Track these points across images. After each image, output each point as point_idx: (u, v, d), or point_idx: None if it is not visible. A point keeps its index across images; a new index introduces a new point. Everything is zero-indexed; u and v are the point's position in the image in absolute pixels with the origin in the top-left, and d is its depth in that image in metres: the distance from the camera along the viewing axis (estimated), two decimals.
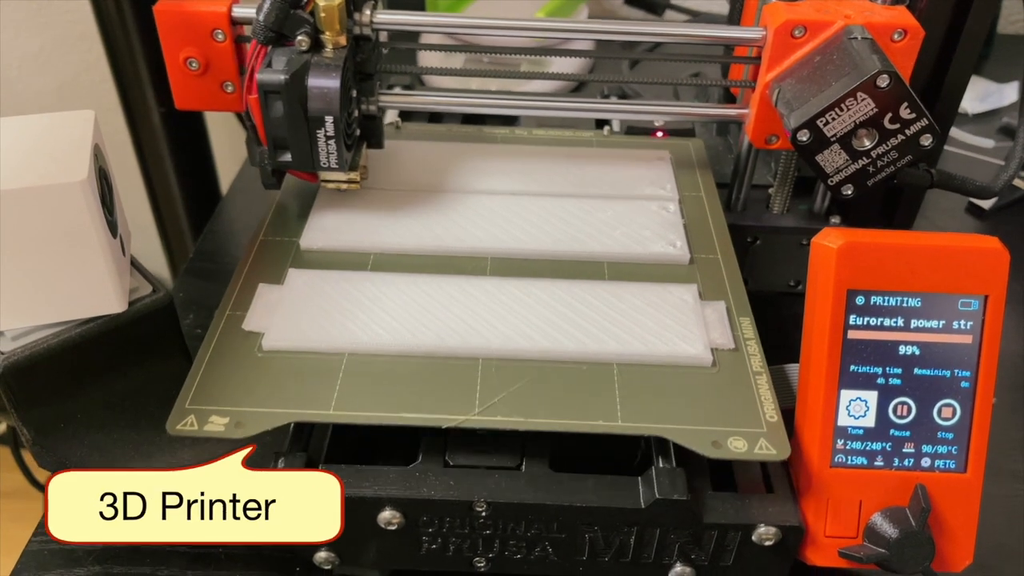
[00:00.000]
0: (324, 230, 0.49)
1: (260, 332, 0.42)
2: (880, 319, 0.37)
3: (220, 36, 0.46)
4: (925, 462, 0.38)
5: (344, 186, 0.49)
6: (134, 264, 0.43)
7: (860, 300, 0.37)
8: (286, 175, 0.50)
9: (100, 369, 0.40)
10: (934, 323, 0.37)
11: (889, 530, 0.37)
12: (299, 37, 0.44)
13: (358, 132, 0.50)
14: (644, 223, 0.50)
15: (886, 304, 0.37)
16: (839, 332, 0.37)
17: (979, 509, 0.38)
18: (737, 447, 0.37)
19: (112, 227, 0.39)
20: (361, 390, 0.39)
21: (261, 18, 0.44)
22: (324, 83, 0.43)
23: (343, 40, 0.45)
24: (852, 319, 0.37)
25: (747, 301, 0.45)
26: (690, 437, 0.37)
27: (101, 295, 0.39)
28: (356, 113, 0.49)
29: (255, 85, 0.43)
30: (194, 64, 0.47)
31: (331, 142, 0.44)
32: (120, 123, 0.85)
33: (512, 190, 0.52)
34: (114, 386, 0.41)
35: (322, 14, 0.44)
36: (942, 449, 0.38)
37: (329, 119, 0.44)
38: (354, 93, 0.48)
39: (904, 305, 0.37)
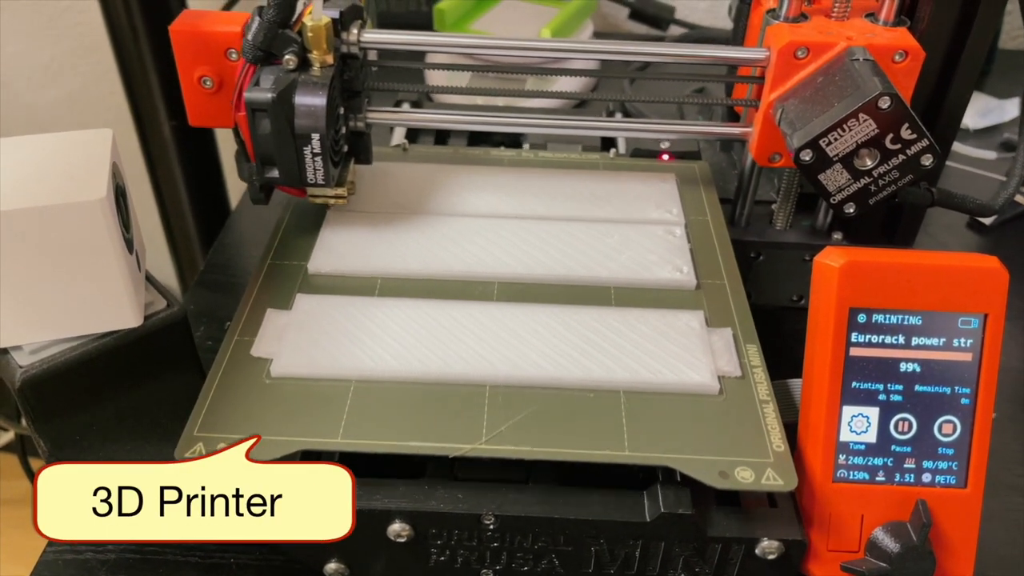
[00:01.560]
0: (331, 254, 0.49)
1: (268, 358, 0.43)
2: (881, 336, 0.38)
3: (234, 55, 0.47)
4: (926, 477, 0.39)
5: (332, 201, 0.50)
6: (149, 279, 0.44)
7: (862, 318, 0.38)
8: (274, 190, 0.51)
9: (116, 382, 0.41)
10: (935, 341, 0.38)
11: (891, 545, 0.38)
12: (287, 56, 0.45)
13: (346, 148, 0.51)
14: (650, 247, 0.50)
15: (887, 322, 0.38)
16: (841, 349, 0.38)
17: (979, 524, 0.39)
18: (744, 477, 0.37)
19: (129, 244, 0.40)
20: (368, 417, 0.40)
21: (250, 37, 0.45)
22: (310, 101, 0.44)
23: (330, 59, 0.46)
24: (854, 336, 0.38)
25: (754, 328, 0.45)
26: (697, 467, 0.38)
27: (118, 310, 0.40)
28: (344, 130, 0.50)
29: (243, 103, 0.44)
30: (208, 82, 0.48)
31: (318, 159, 0.45)
32: (131, 136, 0.85)
33: (519, 214, 0.53)
34: (129, 399, 0.42)
35: (309, 34, 0.45)
36: (943, 465, 0.38)
37: (315, 136, 0.45)
38: (341, 110, 0.49)
39: (905, 323, 0.38)
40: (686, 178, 0.57)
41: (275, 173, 0.47)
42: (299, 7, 0.46)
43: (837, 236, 0.55)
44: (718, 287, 0.48)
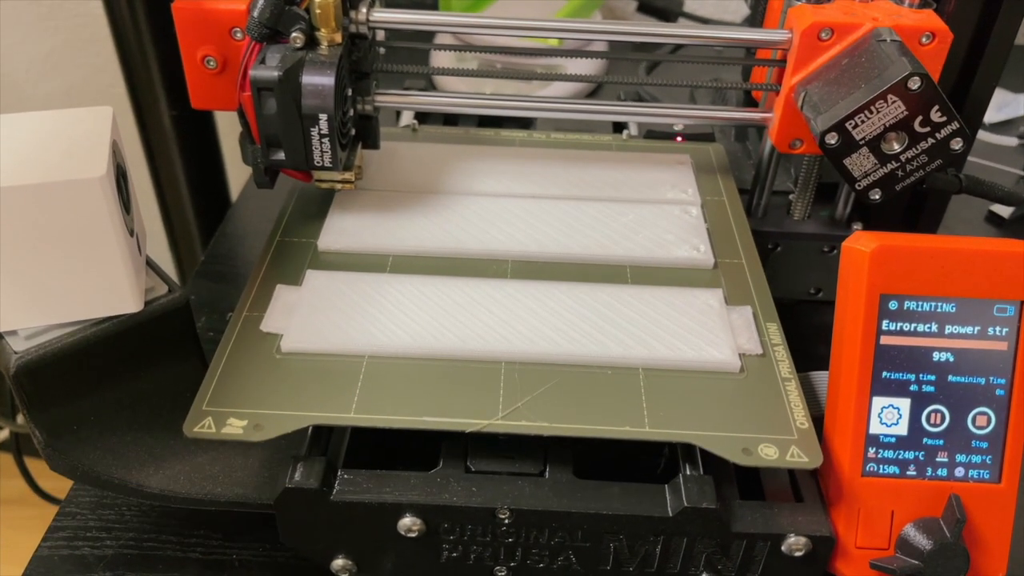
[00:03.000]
0: (342, 231, 0.48)
1: (278, 334, 0.41)
2: (914, 324, 0.37)
3: (239, 34, 0.46)
4: (959, 472, 0.37)
5: (339, 186, 0.49)
6: (149, 264, 0.42)
7: (893, 305, 0.37)
8: (279, 175, 0.49)
9: (115, 370, 0.39)
10: (969, 329, 0.37)
11: (923, 541, 0.36)
12: (293, 34, 0.43)
13: (353, 132, 0.49)
14: (667, 227, 0.49)
15: (920, 309, 0.37)
16: (871, 338, 0.37)
17: (1014, 520, 0.37)
18: (768, 455, 0.36)
19: (129, 225, 0.39)
20: (382, 393, 0.38)
21: (255, 14, 0.43)
22: (318, 80, 0.43)
23: (338, 38, 0.44)
24: (885, 324, 0.37)
25: (773, 306, 0.44)
26: (720, 444, 0.36)
27: (117, 294, 0.38)
28: (351, 112, 0.48)
29: (248, 82, 0.43)
30: (212, 63, 0.46)
31: (325, 140, 0.44)
32: (130, 126, 0.84)
33: (532, 193, 0.51)
34: (128, 387, 0.40)
35: (317, 11, 0.43)
36: (976, 459, 0.37)
37: (323, 117, 0.43)
38: (349, 92, 0.47)
39: (938, 310, 0.36)
40: (701, 160, 0.56)
41: (281, 156, 0.45)
42: None
43: (857, 226, 0.53)
44: (736, 266, 0.47)
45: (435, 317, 0.42)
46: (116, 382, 0.40)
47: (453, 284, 0.44)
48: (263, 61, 0.43)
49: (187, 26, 0.46)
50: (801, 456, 0.36)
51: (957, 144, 0.43)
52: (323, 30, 0.44)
